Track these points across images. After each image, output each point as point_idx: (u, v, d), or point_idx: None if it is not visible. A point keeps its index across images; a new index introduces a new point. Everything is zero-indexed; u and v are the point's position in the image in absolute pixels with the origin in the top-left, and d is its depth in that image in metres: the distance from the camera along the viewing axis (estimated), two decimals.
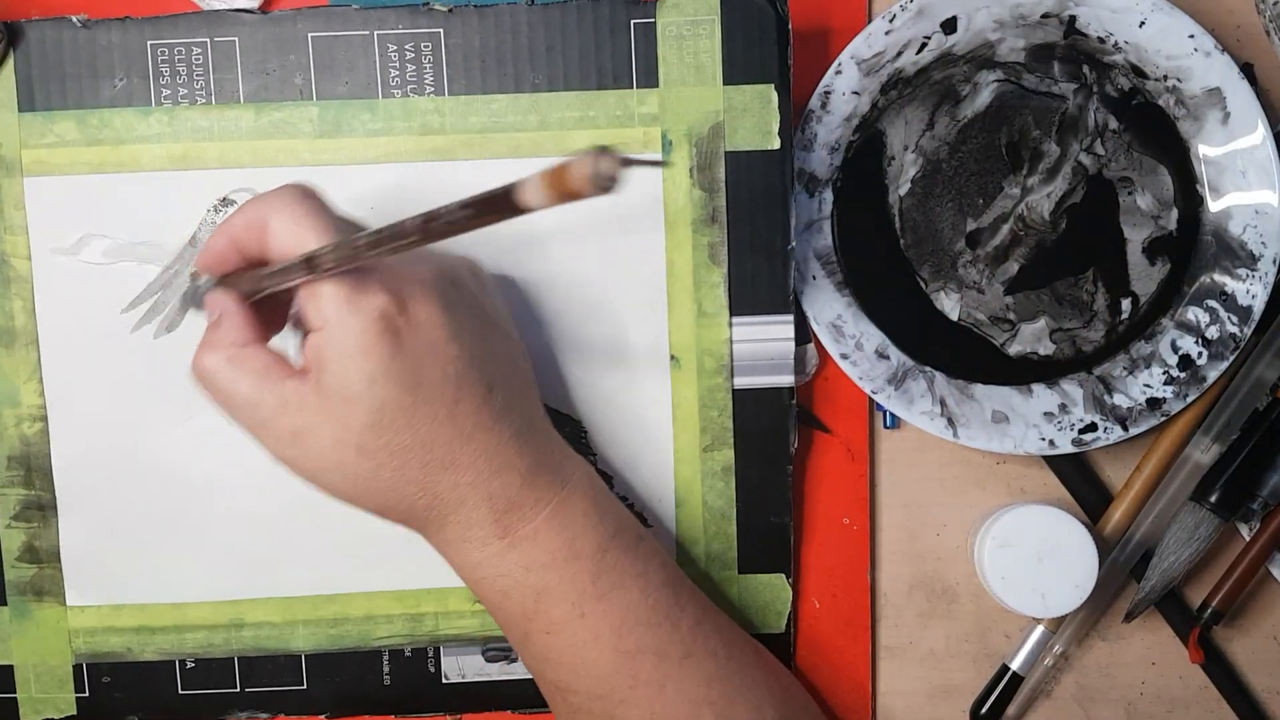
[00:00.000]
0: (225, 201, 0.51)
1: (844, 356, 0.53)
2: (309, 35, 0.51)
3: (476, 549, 0.45)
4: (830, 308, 0.54)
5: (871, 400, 0.56)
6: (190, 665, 0.53)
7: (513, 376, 0.46)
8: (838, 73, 0.52)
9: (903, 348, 0.54)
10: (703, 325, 0.52)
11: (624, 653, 0.46)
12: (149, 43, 0.50)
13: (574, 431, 0.53)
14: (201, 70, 0.51)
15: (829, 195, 0.54)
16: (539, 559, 0.45)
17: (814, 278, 0.54)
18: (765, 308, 0.52)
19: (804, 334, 0.54)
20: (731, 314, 0.52)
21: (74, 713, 0.53)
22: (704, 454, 0.53)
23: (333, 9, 0.51)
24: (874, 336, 0.54)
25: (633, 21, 0.51)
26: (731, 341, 0.52)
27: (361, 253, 0.38)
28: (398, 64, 0.51)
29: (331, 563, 0.53)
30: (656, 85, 0.51)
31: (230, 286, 0.44)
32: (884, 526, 0.57)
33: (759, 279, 0.52)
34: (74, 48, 0.50)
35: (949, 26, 0.53)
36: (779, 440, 0.53)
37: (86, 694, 0.53)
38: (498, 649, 0.55)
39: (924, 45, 0.53)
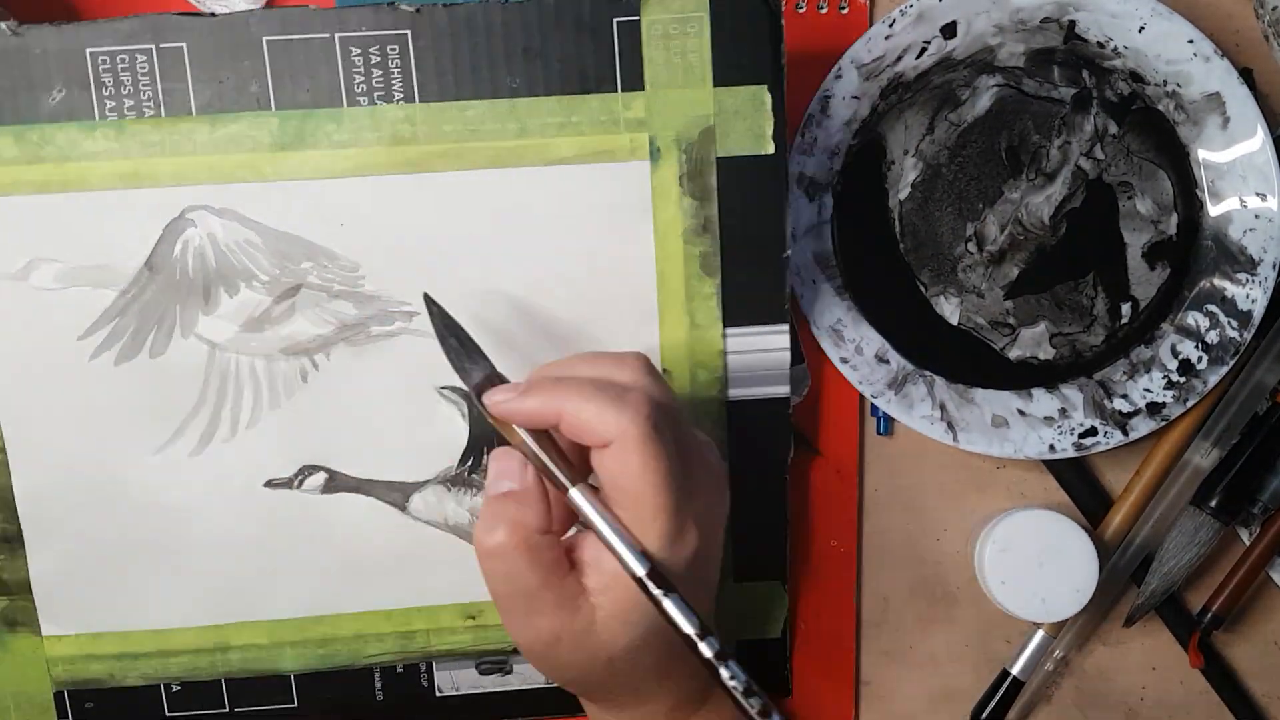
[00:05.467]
0: (182, 219, 0.48)
1: (844, 361, 0.53)
2: (264, 39, 0.47)
3: None
4: (830, 312, 0.54)
5: (861, 422, 0.56)
6: (176, 689, 0.52)
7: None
8: (837, 77, 0.52)
9: (903, 352, 0.54)
10: (695, 337, 0.51)
11: None
12: (88, 50, 0.46)
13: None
14: (148, 80, 0.47)
15: (829, 199, 0.54)
16: None
17: (814, 282, 0.54)
18: (761, 318, 0.51)
19: (797, 354, 0.54)
20: (726, 325, 0.51)
21: None
22: None
23: (288, 11, 0.47)
24: (874, 341, 0.54)
25: (615, 20, 0.48)
26: (726, 353, 0.51)
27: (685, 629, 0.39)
28: (363, 69, 0.48)
29: (318, 584, 0.52)
30: (642, 88, 0.48)
31: (538, 461, 0.42)
32: (884, 530, 0.57)
33: (754, 289, 0.50)
34: (5, 57, 0.46)
35: (949, 31, 0.53)
36: (777, 450, 0.52)
37: None
38: (492, 662, 0.54)
39: (924, 50, 0.53)
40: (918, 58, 0.53)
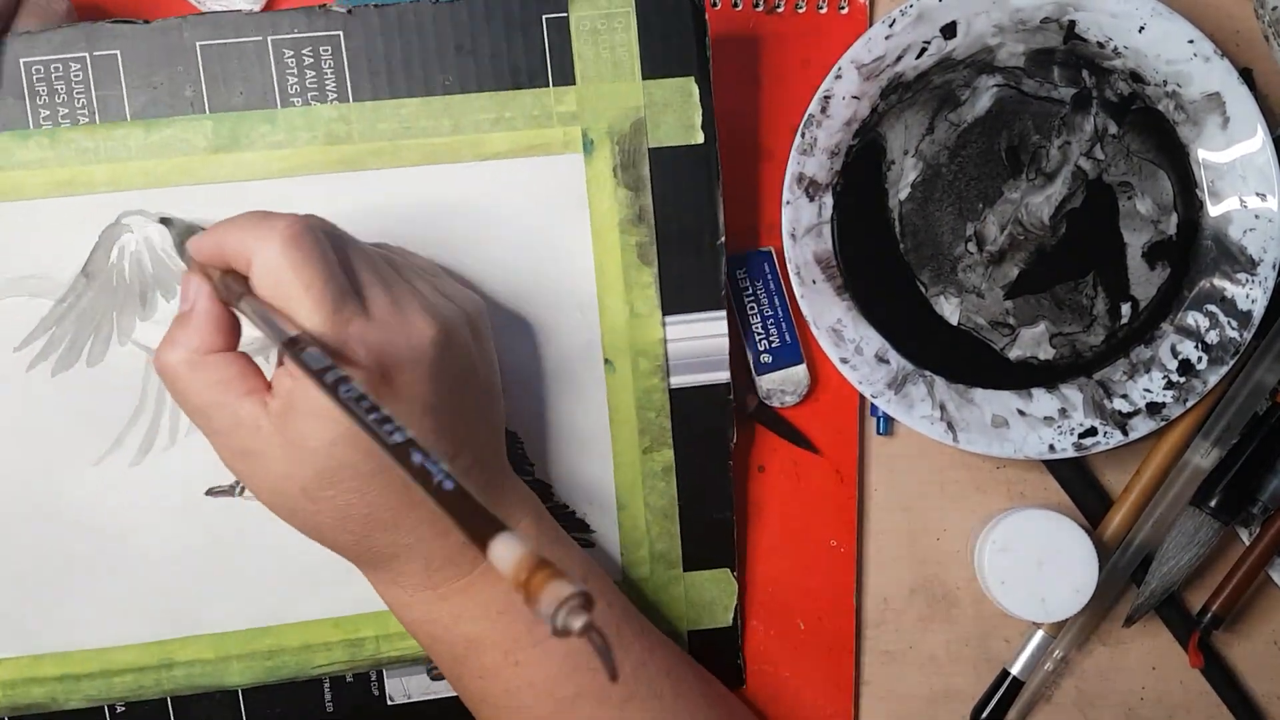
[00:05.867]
0: (118, 225, 0.48)
1: (844, 361, 0.53)
2: (197, 44, 0.47)
3: (406, 594, 0.45)
4: (830, 312, 0.54)
5: (861, 422, 0.56)
6: (121, 709, 0.51)
7: (481, 433, 0.45)
8: (838, 77, 0.52)
9: (903, 352, 0.54)
10: (635, 326, 0.51)
11: (560, 699, 0.45)
12: (22, 60, 0.47)
13: (509, 443, 0.51)
14: (82, 87, 0.47)
15: (829, 199, 0.54)
16: (471, 611, 0.44)
17: (814, 282, 0.54)
18: (698, 305, 0.51)
19: (795, 355, 0.55)
20: (664, 313, 0.51)
21: None
22: (644, 455, 0.52)
23: (221, 16, 0.48)
24: (874, 341, 0.54)
25: (545, 17, 0.49)
26: (666, 341, 0.51)
27: (338, 400, 0.35)
28: (295, 70, 0.48)
29: (262, 595, 0.51)
30: (573, 82, 0.49)
31: (210, 278, 0.42)
32: (884, 530, 0.57)
33: (690, 277, 0.51)
34: None
35: (949, 31, 0.53)
36: (719, 437, 0.52)
37: None
38: None
39: (924, 50, 0.53)
40: (918, 58, 0.53)
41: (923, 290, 0.55)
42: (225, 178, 0.48)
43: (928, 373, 0.54)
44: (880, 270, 0.55)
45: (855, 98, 0.53)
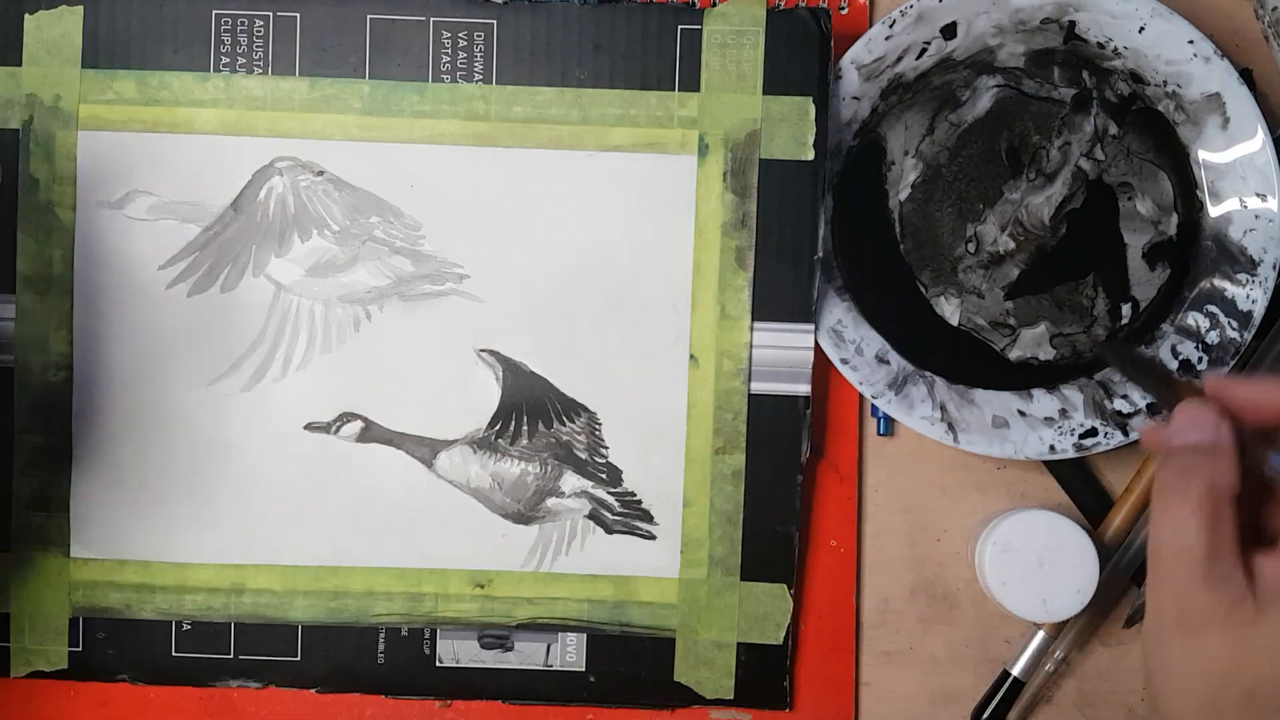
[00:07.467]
0: (271, 167, 0.53)
1: (844, 361, 0.53)
2: (368, 17, 0.53)
3: None
4: (830, 313, 0.54)
5: (861, 423, 0.56)
6: (186, 628, 0.54)
7: None
8: (837, 78, 0.52)
9: (903, 353, 0.54)
10: (724, 327, 0.53)
11: None
12: (214, 12, 0.53)
13: (588, 422, 0.54)
14: (261, 42, 0.53)
15: (829, 200, 0.54)
16: None
17: None
18: (787, 315, 0.53)
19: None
20: (754, 318, 0.53)
21: (65, 666, 0.53)
22: (715, 456, 0.54)
23: None
24: (874, 341, 0.54)
25: (680, 27, 0.53)
26: (751, 345, 0.53)
27: None
28: (450, 50, 0.53)
29: (337, 533, 0.54)
30: (698, 89, 0.53)
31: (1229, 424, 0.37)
32: (885, 531, 0.57)
33: (783, 286, 0.53)
34: (142, 11, 0.53)
35: (949, 32, 0.53)
36: (791, 448, 0.54)
37: (79, 648, 0.54)
38: (494, 636, 0.55)
39: (924, 50, 0.53)
40: (918, 58, 0.53)
41: (923, 291, 0.55)
42: (372, 138, 0.53)
43: (928, 373, 0.54)
44: (880, 271, 0.55)
45: (855, 98, 0.53)
